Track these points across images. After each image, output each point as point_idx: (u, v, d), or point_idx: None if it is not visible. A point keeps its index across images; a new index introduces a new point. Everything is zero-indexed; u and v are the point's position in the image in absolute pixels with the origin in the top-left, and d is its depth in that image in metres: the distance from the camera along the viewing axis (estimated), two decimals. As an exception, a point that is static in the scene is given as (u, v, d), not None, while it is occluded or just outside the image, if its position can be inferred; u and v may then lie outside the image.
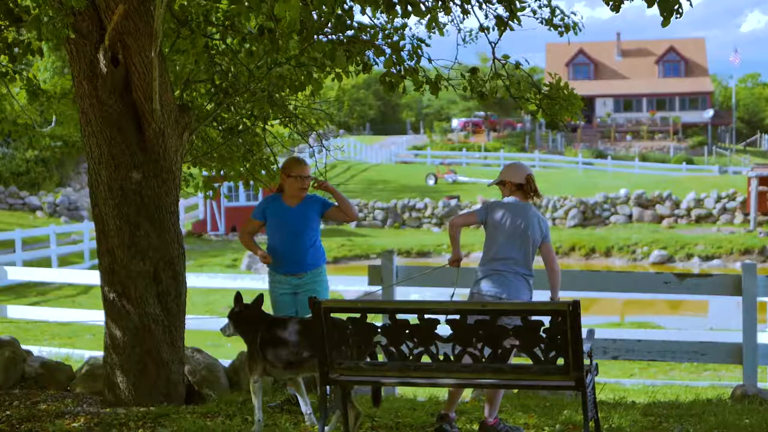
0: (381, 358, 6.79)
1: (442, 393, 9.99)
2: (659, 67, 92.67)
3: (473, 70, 9.54)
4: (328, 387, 6.91)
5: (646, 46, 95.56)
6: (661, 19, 7.52)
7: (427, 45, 9.31)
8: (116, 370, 8.48)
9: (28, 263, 29.70)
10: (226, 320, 7.96)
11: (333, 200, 8.94)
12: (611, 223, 48.04)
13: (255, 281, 20.49)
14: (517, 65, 9.44)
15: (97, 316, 12.87)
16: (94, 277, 13.03)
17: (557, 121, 9.64)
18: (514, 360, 6.83)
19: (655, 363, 15.69)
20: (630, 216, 48.51)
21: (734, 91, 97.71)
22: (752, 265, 10.20)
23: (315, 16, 8.74)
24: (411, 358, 6.63)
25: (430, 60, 9.35)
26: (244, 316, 7.81)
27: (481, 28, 9.53)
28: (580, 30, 9.77)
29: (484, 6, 9.29)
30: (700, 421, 7.89)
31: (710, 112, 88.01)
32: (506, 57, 9.50)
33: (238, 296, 7.90)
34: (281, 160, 10.48)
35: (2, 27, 8.62)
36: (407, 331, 6.59)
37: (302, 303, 8.58)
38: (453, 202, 50.40)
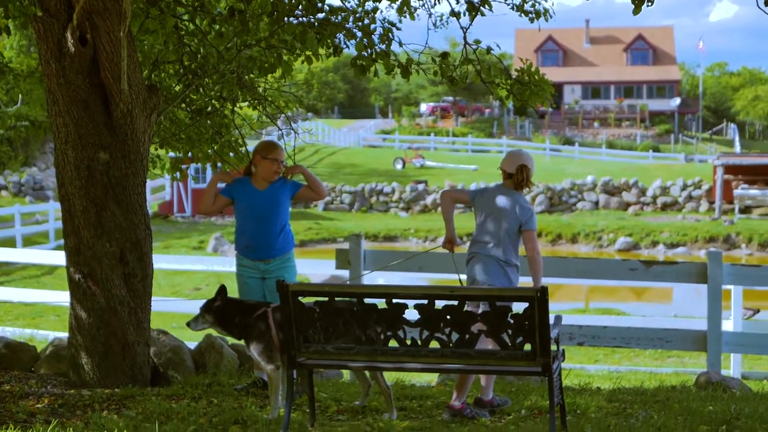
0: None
1: (409, 377, 10.01)
2: (627, 54, 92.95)
3: (444, 55, 9.53)
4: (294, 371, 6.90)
5: (614, 34, 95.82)
6: (632, 7, 7.54)
7: (398, 29, 9.29)
8: (81, 352, 8.44)
9: (-8, 243, 29.51)
10: (197, 313, 7.76)
11: (303, 181, 8.90)
12: (578, 210, 48.24)
13: (221, 264, 20.46)
14: (488, 50, 9.44)
15: (62, 297, 12.82)
16: (59, 258, 12.95)
17: (528, 106, 9.66)
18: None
19: (620, 349, 15.78)
20: (596, 203, 48.73)
21: (701, 79, 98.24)
22: (717, 253, 10.28)
23: (285, -2, 8.70)
24: (378, 342, 6.63)
25: (400, 44, 9.33)
26: (226, 309, 7.68)
27: (452, 13, 9.53)
28: (551, 17, 9.78)
29: (455, -10, 9.28)
30: (665, 408, 7.94)
31: (677, 101, 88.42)
32: (477, 42, 9.50)
33: (223, 289, 7.75)
34: (250, 143, 10.45)
35: (-32, 4, 8.52)
36: (375, 316, 6.59)
37: (270, 288, 8.53)
38: (420, 186, 50.43)
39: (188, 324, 7.75)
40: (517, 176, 8.11)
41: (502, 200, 8.02)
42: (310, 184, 8.85)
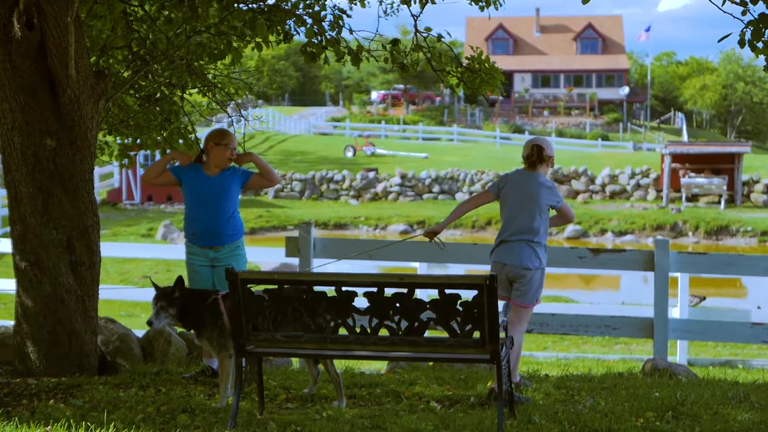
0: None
1: (358, 365, 10.02)
2: (577, 43, 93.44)
3: (395, 42, 9.52)
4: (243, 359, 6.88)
5: (564, 23, 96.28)
6: (582, -5, 7.58)
7: (349, 16, 9.27)
8: (27, 340, 8.36)
9: (-63, 230, 29.13)
10: (153, 308, 7.52)
11: (254, 169, 8.86)
12: (527, 198, 48.38)
13: (170, 251, 20.35)
14: (439, 38, 9.44)
15: (8, 285, 12.67)
16: (5, 245, 12.80)
17: (478, 94, 9.68)
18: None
19: (568, 336, 15.89)
20: (546, 191, 48.88)
21: (650, 69, 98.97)
22: (665, 241, 10.37)
23: (235, -16, 8.65)
24: (327, 330, 6.63)
25: (351, 31, 9.32)
26: (185, 298, 7.58)
27: (403, 1, 9.52)
28: (501, 5, 9.80)
29: (406, -22, 9.28)
30: (612, 394, 8.01)
31: (626, 90, 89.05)
32: (428, 29, 9.50)
33: (181, 280, 7.62)
34: (199, 130, 10.39)
35: None
36: (324, 304, 6.58)
37: (220, 276, 8.45)
38: (371, 174, 50.40)
39: (149, 322, 7.59)
40: (530, 155, 8.50)
41: (523, 183, 8.40)
42: (261, 172, 8.81)
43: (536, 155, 8.48)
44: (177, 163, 8.84)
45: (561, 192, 47.23)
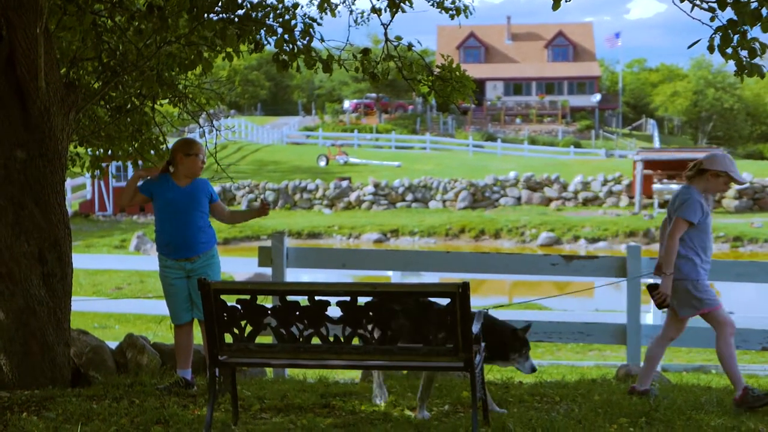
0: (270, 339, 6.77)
1: (332, 374, 10.01)
2: (548, 51, 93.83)
3: (365, 51, 9.53)
4: (217, 369, 6.86)
5: (535, 31, 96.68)
6: (552, 2, 7.61)
7: (319, 24, 9.28)
8: (-1, 353, 8.32)
9: None
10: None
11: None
12: (500, 206, 48.54)
13: (143, 262, 20.30)
14: (410, 47, 9.46)
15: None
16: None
17: (450, 103, 9.69)
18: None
19: (542, 343, 15.89)
20: (519, 198, 49.08)
21: (621, 75, 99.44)
22: (637, 247, 10.41)
23: (205, -5, 8.63)
24: (301, 339, 6.62)
25: (322, 40, 9.32)
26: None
27: (373, 10, 9.54)
28: (471, 13, 9.85)
29: (376, -13, 9.30)
30: (586, 401, 8.03)
31: (597, 97, 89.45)
32: (399, 38, 9.52)
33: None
34: (171, 140, 10.36)
35: None
36: (297, 313, 6.58)
37: (195, 287, 8.39)
38: (344, 183, 50.42)
39: None
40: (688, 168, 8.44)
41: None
42: (232, 215, 9.21)
43: (691, 168, 8.40)
44: (144, 180, 8.77)
45: (534, 199, 47.39)
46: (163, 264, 8.61)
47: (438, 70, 9.64)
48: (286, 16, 9.22)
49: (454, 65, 9.63)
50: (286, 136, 76.66)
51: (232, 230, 39.12)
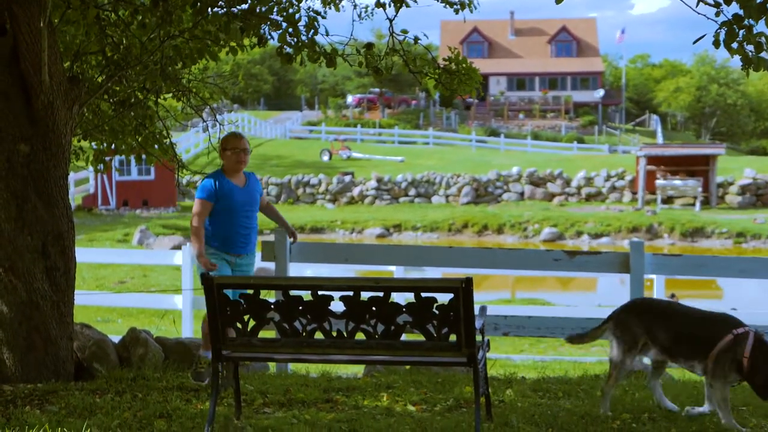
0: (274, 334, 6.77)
1: (335, 369, 10.01)
2: (552, 46, 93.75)
3: (369, 46, 9.52)
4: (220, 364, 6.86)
5: (538, 26, 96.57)
6: (555, -2, 7.60)
7: (323, 17, 9.26)
8: (2, 347, 8.31)
9: None
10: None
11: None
12: (503, 201, 48.56)
13: (146, 256, 20.30)
14: (416, 40, 9.43)
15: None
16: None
17: (457, 95, 9.67)
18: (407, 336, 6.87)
19: (545, 339, 15.89)
20: (522, 194, 49.09)
21: (624, 71, 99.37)
22: (640, 243, 10.39)
23: (209, -12, 8.62)
24: (304, 334, 6.62)
25: (327, 33, 9.31)
26: None
27: (378, 4, 9.52)
28: (476, 8, 9.82)
29: (381, -18, 9.29)
30: (589, 396, 8.03)
31: (601, 92, 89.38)
32: (405, 32, 9.50)
33: None
34: (174, 134, 10.36)
35: None
36: (300, 308, 6.57)
37: None
38: (347, 178, 50.42)
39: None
40: None
41: None
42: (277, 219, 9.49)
43: None
44: (206, 190, 8.73)
45: (537, 195, 47.35)
46: (210, 253, 8.67)
47: (444, 63, 9.63)
48: (290, 10, 9.21)
49: (460, 58, 9.63)
50: (289, 130, 76.61)
51: (234, 225, 39.03)
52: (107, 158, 11.38)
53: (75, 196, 43.33)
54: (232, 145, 8.79)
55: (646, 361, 8.44)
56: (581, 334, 7.99)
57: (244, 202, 8.74)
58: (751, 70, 7.27)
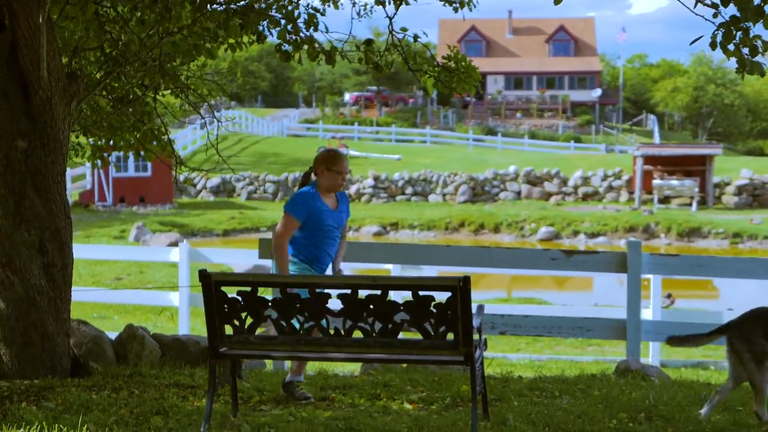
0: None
1: (332, 367, 10.01)
2: (549, 45, 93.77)
3: (368, 42, 9.51)
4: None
5: (536, 25, 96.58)
6: (554, -2, 7.59)
7: (323, 14, 9.26)
8: (-1, 343, 8.32)
9: None
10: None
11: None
12: (500, 200, 48.56)
13: (142, 253, 20.29)
14: (416, 38, 9.43)
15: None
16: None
17: (455, 94, 9.66)
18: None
19: (542, 338, 15.90)
20: (519, 193, 49.10)
21: (622, 71, 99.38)
22: (637, 242, 10.41)
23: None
24: (301, 332, 6.63)
25: (327, 30, 9.31)
26: None
27: (378, 2, 9.52)
28: (475, 6, 9.82)
29: (380, -21, 9.28)
30: (585, 396, 8.04)
31: (598, 92, 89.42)
32: (404, 29, 9.50)
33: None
34: (172, 131, 10.34)
35: None
36: (298, 305, 6.58)
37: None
38: (344, 176, 50.38)
39: None
40: None
41: None
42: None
43: None
44: (297, 202, 8.21)
45: (534, 194, 47.37)
46: (298, 267, 8.17)
47: (444, 60, 9.62)
48: (289, 7, 9.20)
49: (459, 56, 9.62)
50: (287, 128, 76.59)
51: (231, 222, 39.10)
52: (105, 154, 11.38)
53: (72, 192, 43.28)
54: (339, 168, 8.14)
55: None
56: (683, 336, 7.82)
57: (332, 227, 8.17)
58: (746, 73, 7.27)
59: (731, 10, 7.09)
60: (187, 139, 54.25)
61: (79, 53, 9.77)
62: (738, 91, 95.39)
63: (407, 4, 9.45)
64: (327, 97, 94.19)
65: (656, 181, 45.66)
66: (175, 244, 27.89)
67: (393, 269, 13.55)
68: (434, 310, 6.38)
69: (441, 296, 6.37)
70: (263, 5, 9.12)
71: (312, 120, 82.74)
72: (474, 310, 6.67)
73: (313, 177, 8.26)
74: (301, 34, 9.13)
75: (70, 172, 38.47)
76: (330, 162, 8.17)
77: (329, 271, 8.33)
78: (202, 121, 11.22)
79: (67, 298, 8.59)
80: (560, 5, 7.59)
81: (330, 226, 8.13)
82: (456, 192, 49.24)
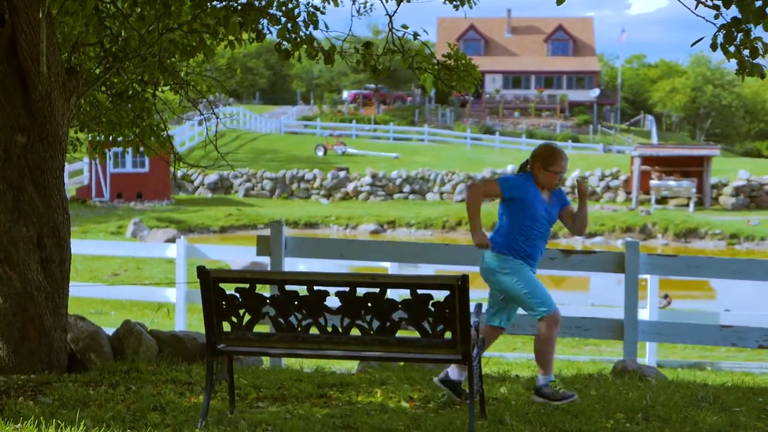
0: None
1: (329, 364, 10.01)
2: (548, 45, 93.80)
3: (367, 45, 9.51)
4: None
5: (535, 24, 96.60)
6: (555, -2, 7.60)
7: (323, 13, 9.26)
8: (-4, 337, 8.31)
9: None
10: None
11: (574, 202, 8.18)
12: (498, 199, 48.53)
13: (139, 249, 20.27)
14: (416, 36, 9.43)
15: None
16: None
17: (454, 91, 9.67)
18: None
19: (538, 337, 15.91)
20: (516, 192, 49.03)
21: (620, 71, 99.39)
22: (635, 243, 10.41)
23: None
24: (299, 329, 6.62)
25: (327, 27, 9.31)
26: None
27: (379, -1, 9.53)
28: (475, 4, 9.83)
29: (381, -24, 9.29)
30: (582, 395, 8.03)
31: (596, 92, 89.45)
32: (405, 27, 9.50)
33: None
34: (171, 127, 10.34)
35: None
36: (296, 303, 6.58)
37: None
38: (342, 173, 50.42)
39: None
40: None
41: None
42: (578, 214, 8.12)
43: None
44: (504, 183, 8.00)
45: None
46: (518, 263, 7.93)
47: (443, 59, 9.63)
48: (289, 5, 9.20)
49: (458, 54, 9.63)
50: (284, 125, 76.60)
51: (228, 219, 39.09)
52: (104, 149, 11.38)
53: (69, 188, 43.26)
54: (559, 168, 7.84)
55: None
56: None
57: (544, 218, 7.85)
58: (746, 75, 7.27)
59: (732, 11, 7.10)
60: (184, 135, 54.25)
61: (79, 48, 9.77)
62: (736, 92, 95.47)
63: (408, 1, 9.45)
64: (325, 95, 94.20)
65: (653, 182, 45.69)
66: (172, 240, 27.86)
67: (390, 267, 13.54)
68: (432, 309, 6.38)
69: (439, 295, 6.37)
70: (263, 2, 9.11)
71: (310, 117, 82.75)
72: (472, 308, 6.67)
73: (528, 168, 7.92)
74: (301, 33, 9.13)
75: (67, 167, 38.46)
76: (547, 162, 7.86)
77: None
78: (200, 117, 11.22)
79: (65, 293, 8.59)
80: (561, 5, 7.60)
81: (539, 215, 7.79)
82: (453, 191, 49.23)
